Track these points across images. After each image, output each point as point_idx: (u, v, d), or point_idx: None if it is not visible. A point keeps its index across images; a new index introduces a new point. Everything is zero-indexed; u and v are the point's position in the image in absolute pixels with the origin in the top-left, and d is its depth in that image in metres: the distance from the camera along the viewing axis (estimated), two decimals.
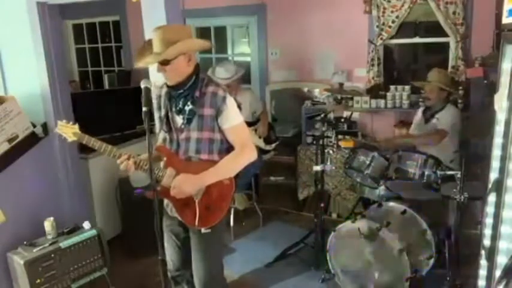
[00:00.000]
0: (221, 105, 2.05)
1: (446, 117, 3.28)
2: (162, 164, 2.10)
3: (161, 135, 2.23)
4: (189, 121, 2.08)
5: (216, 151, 2.12)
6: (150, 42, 2.07)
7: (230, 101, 2.08)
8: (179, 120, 2.12)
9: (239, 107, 2.20)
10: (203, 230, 2.11)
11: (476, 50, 3.87)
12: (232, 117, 2.08)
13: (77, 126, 2.19)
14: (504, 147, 1.60)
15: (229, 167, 2.10)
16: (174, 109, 2.13)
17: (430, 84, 3.37)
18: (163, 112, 2.16)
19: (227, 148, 2.14)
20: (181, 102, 2.09)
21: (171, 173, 2.07)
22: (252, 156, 2.12)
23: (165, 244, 2.27)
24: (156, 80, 2.19)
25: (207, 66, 4.35)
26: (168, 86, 2.11)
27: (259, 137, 3.99)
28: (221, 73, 3.79)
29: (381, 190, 3.27)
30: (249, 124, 3.91)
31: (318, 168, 3.31)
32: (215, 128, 2.09)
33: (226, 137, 2.12)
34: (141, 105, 1.84)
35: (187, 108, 2.08)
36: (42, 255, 2.66)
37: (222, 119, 2.07)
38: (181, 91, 2.07)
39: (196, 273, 2.22)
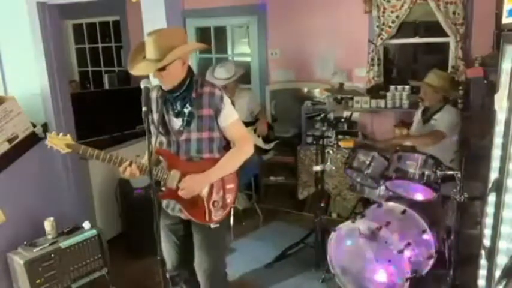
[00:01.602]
0: (219, 105, 2.10)
1: (444, 118, 3.28)
2: (164, 166, 2.11)
3: (157, 138, 2.23)
4: (188, 123, 2.10)
5: (216, 149, 2.18)
6: (141, 47, 2.05)
7: (226, 99, 2.13)
8: (178, 122, 2.13)
9: (232, 104, 2.22)
10: (212, 225, 2.17)
11: (476, 50, 3.87)
12: (230, 115, 2.15)
13: (68, 136, 2.08)
14: (504, 147, 1.60)
15: (232, 163, 2.17)
16: (171, 112, 2.12)
17: (423, 87, 3.38)
18: (156, 115, 2.13)
19: (225, 145, 2.22)
20: (179, 105, 2.10)
21: (175, 174, 2.08)
22: (250, 150, 2.19)
23: (163, 244, 2.27)
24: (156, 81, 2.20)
25: (207, 66, 4.35)
26: (162, 90, 2.10)
27: (258, 136, 3.99)
28: (221, 73, 3.79)
29: (381, 190, 3.27)
30: (248, 124, 3.91)
31: (318, 168, 3.31)
32: (214, 127, 2.13)
33: (225, 134, 2.18)
34: (141, 105, 1.85)
35: (186, 110, 2.09)
36: (42, 255, 2.66)
37: (221, 118, 2.12)
38: (177, 94, 2.08)
39: (200, 266, 2.24)
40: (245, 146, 2.18)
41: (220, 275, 2.30)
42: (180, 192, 2.06)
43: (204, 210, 2.14)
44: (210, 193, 2.14)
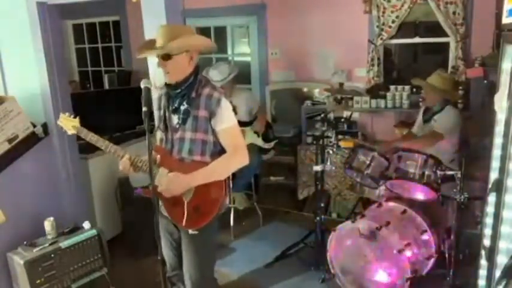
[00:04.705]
0: (215, 108, 2.06)
1: (443, 120, 3.27)
2: (157, 163, 2.12)
3: (158, 134, 2.25)
4: (184, 121, 2.09)
5: (208, 153, 2.12)
6: (153, 40, 2.10)
7: (225, 104, 2.08)
8: (175, 119, 2.14)
9: (234, 110, 2.20)
10: (190, 231, 2.11)
11: (476, 50, 3.87)
12: (226, 120, 2.08)
13: (77, 119, 2.29)
14: (504, 147, 1.60)
15: (219, 169, 2.08)
16: (170, 108, 2.14)
17: (425, 87, 3.39)
18: (161, 112, 2.19)
19: (220, 151, 2.14)
20: (177, 102, 2.11)
21: (162, 172, 2.09)
22: (244, 160, 2.11)
23: (163, 244, 2.26)
24: (157, 81, 2.20)
25: (206, 67, 4.35)
26: (167, 86, 2.12)
27: (258, 136, 4.00)
28: (214, 75, 3.79)
29: (381, 190, 3.27)
30: (247, 124, 3.92)
31: (318, 168, 3.31)
32: (208, 130, 2.10)
33: (219, 139, 2.12)
34: (141, 105, 1.85)
35: (182, 108, 2.09)
36: (42, 255, 2.66)
37: (216, 121, 2.07)
38: (179, 90, 2.08)
39: (186, 272, 2.23)
40: (237, 155, 2.09)
41: (205, 282, 2.24)
42: (158, 189, 2.03)
43: (183, 213, 2.08)
44: (193, 198, 2.07)
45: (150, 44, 2.09)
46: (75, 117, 2.30)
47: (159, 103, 2.20)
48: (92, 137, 2.21)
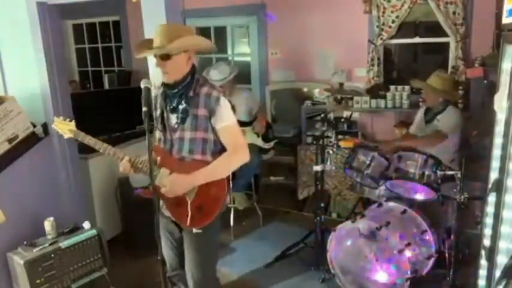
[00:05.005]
0: (214, 106, 2.06)
1: (447, 120, 3.28)
2: (157, 163, 2.11)
3: (157, 134, 2.25)
4: (183, 120, 2.09)
5: (209, 152, 2.13)
6: (150, 39, 2.10)
7: (224, 102, 2.09)
8: (173, 119, 2.13)
9: (233, 108, 2.20)
10: (194, 230, 2.12)
11: (476, 50, 3.87)
12: (225, 118, 2.09)
13: (73, 123, 2.27)
14: (504, 147, 1.60)
15: (221, 168, 2.09)
16: (168, 108, 2.14)
17: (425, 88, 3.39)
18: (158, 111, 2.18)
19: (220, 149, 2.14)
20: (175, 101, 2.11)
21: (164, 172, 2.08)
22: (245, 157, 2.12)
23: (163, 244, 2.26)
24: (156, 81, 2.20)
25: (206, 67, 4.35)
26: (164, 86, 2.12)
27: (258, 136, 4.00)
28: (215, 75, 3.80)
29: (381, 190, 3.27)
30: (246, 124, 3.92)
31: (318, 168, 3.31)
32: (208, 129, 2.10)
33: (219, 137, 2.12)
34: (141, 105, 1.85)
35: (181, 107, 2.09)
36: (42, 255, 2.66)
37: (216, 120, 2.08)
38: (176, 90, 2.08)
39: (189, 271, 2.23)
40: (237, 154, 2.10)
41: (207, 281, 2.24)
42: (161, 190, 2.03)
43: (186, 213, 2.08)
44: (196, 197, 2.08)
45: (148, 44, 2.09)
46: (71, 120, 2.27)
47: (155, 103, 2.19)
48: (89, 140, 2.19)
